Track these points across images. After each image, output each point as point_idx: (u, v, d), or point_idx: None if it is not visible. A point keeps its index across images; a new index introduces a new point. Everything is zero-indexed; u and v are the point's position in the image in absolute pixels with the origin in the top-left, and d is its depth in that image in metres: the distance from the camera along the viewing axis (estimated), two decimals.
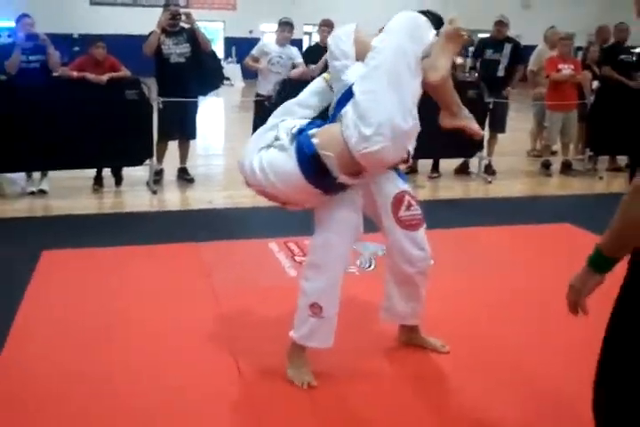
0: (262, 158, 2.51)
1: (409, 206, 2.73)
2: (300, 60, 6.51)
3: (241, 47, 18.62)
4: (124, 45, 8.64)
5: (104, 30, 14.13)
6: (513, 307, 3.49)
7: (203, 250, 4.33)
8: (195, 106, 6.42)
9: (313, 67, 6.41)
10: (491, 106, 6.60)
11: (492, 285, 3.80)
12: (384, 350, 2.99)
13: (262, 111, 6.43)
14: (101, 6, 19.59)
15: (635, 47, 8.02)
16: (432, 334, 3.02)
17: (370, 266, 4.02)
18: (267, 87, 6.43)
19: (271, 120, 2.67)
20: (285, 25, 6.46)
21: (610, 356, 1.59)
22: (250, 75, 16.69)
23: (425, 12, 2.62)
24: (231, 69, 16.51)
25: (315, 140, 2.41)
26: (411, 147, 2.74)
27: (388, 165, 2.59)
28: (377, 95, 2.34)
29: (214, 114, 13.15)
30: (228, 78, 12.91)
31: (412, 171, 6.71)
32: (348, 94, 2.45)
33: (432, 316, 3.01)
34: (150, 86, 6.07)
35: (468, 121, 2.62)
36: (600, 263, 1.52)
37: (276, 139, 2.53)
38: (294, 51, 6.69)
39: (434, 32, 2.46)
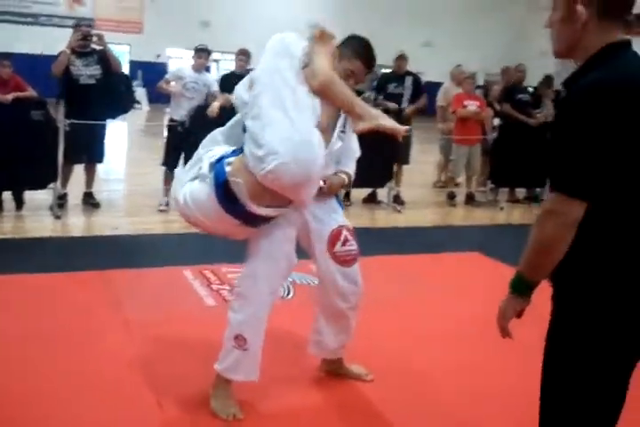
0: (186, 190, 2.50)
1: (345, 242, 2.73)
2: (215, 88, 6.46)
3: (147, 71, 18.37)
4: (25, 64, 8.32)
5: (2, 48, 13.56)
6: (433, 335, 3.55)
7: (112, 278, 4.16)
8: (103, 129, 6.26)
9: (227, 96, 6.38)
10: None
11: (410, 312, 3.86)
12: (308, 380, 2.96)
13: (175, 137, 6.34)
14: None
15: (528, 87, 8.53)
16: (355, 358, 3.02)
17: (289, 294, 3.99)
18: (180, 113, 6.34)
19: (199, 151, 2.63)
20: (202, 51, 6.40)
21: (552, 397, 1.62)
22: (157, 99, 16.48)
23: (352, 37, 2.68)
24: (137, 93, 16.21)
25: (228, 168, 2.39)
26: (351, 171, 2.76)
27: (305, 187, 2.41)
28: (263, 118, 2.32)
29: (118, 138, 12.79)
30: (138, 102, 12.67)
31: None
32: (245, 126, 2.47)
33: (351, 345, 2.99)
34: (57, 108, 5.85)
35: (380, 120, 2.44)
36: (520, 287, 1.58)
37: (200, 169, 2.51)
38: (210, 78, 6.64)
39: (305, 43, 2.45)
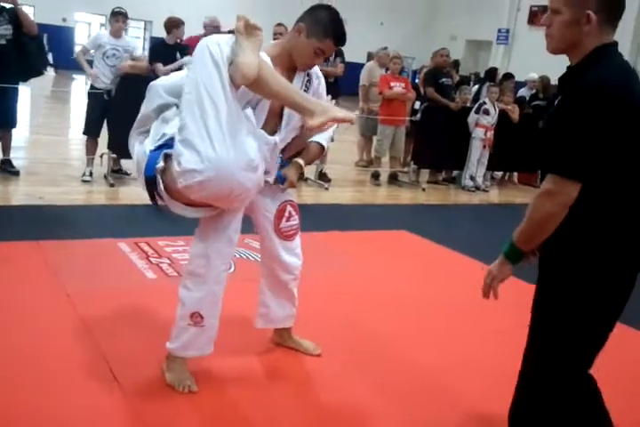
0: (135, 151, 2.50)
1: (289, 217, 2.82)
2: (138, 52, 6.23)
3: (53, 35, 17.45)
4: None
5: None
6: (376, 306, 3.67)
7: (46, 249, 4.01)
8: (15, 92, 5.94)
9: (161, 67, 6.20)
10: None
11: (355, 286, 3.96)
12: (259, 353, 3.00)
13: (98, 104, 6.08)
14: None
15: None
16: (302, 332, 3.09)
17: (231, 268, 3.98)
18: (103, 80, 6.06)
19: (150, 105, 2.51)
20: (118, 15, 6.06)
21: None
22: (63, 64, 15.70)
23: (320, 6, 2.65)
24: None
25: (160, 164, 2.31)
26: (321, 139, 2.75)
27: (228, 200, 2.37)
28: (184, 133, 2.22)
29: (22, 103, 12.09)
30: (52, 64, 12.02)
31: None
32: None
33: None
34: None
35: (332, 112, 2.28)
36: (513, 255, 1.81)
37: (146, 131, 2.48)
38: (131, 42, 6.35)
39: (231, 40, 2.25)
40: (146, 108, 2.53)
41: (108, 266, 3.89)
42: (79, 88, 15.97)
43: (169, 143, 2.32)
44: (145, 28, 21.60)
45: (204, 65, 2.21)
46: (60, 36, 17.45)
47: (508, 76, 9.22)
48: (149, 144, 2.40)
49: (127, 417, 2.41)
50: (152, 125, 2.47)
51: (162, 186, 2.33)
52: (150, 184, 2.37)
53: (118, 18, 6.09)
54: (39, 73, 6.20)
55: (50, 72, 15.00)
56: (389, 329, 3.39)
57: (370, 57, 8.91)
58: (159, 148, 2.35)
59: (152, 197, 2.43)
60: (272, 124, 2.55)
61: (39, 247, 4.04)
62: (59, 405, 2.41)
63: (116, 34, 6.13)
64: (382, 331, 3.36)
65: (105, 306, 3.29)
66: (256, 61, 2.19)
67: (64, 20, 19.00)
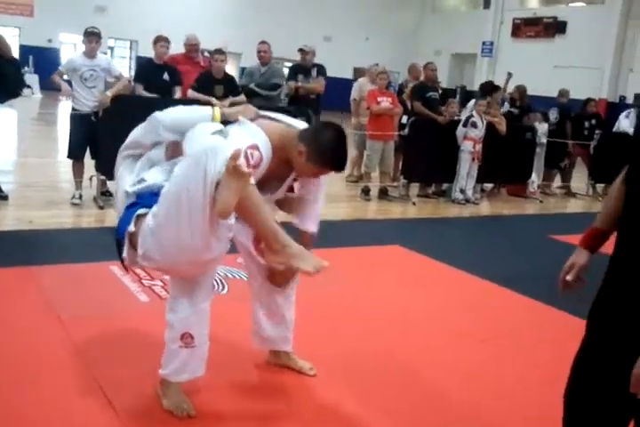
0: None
1: None
2: (117, 72, 6.18)
3: (39, 56, 17.54)
4: None
5: None
6: (374, 323, 3.65)
7: (37, 274, 3.97)
8: None
9: (141, 90, 6.20)
10: None
11: (352, 302, 3.94)
12: (256, 373, 2.98)
13: (81, 127, 6.01)
14: None
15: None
16: (298, 350, 3.06)
17: (224, 289, 3.97)
18: (85, 103, 6.00)
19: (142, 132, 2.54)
20: (92, 35, 5.97)
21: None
22: (49, 85, 15.73)
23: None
24: (28, 80, 15.41)
25: (131, 227, 2.31)
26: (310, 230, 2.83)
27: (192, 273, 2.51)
28: (158, 224, 2.24)
29: (9, 126, 12.07)
30: (29, 86, 12.01)
31: None
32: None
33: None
34: None
35: (295, 260, 2.28)
36: None
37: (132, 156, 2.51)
38: (107, 61, 6.26)
39: (227, 155, 2.14)
40: (141, 136, 2.53)
41: (101, 289, 3.86)
42: (66, 110, 15.94)
43: (143, 202, 2.33)
44: (130, 48, 21.66)
45: (194, 176, 2.17)
46: (45, 58, 17.49)
47: (496, 88, 9.29)
48: (129, 185, 2.42)
49: None
50: (139, 160, 2.50)
51: (125, 253, 2.38)
52: (119, 245, 2.40)
53: (92, 38, 5.98)
54: (16, 95, 6.11)
55: (32, 94, 15.00)
56: (388, 346, 3.38)
57: (356, 72, 8.97)
58: (133, 205, 2.36)
59: (120, 254, 2.43)
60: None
61: (30, 273, 4.00)
62: None
63: (90, 54, 6.01)
64: (381, 348, 3.34)
65: (98, 329, 3.26)
66: (234, 203, 2.15)
67: (49, 41, 19.08)
